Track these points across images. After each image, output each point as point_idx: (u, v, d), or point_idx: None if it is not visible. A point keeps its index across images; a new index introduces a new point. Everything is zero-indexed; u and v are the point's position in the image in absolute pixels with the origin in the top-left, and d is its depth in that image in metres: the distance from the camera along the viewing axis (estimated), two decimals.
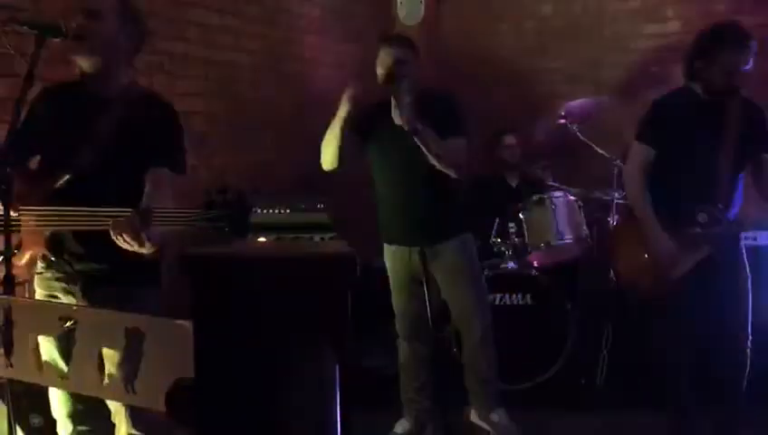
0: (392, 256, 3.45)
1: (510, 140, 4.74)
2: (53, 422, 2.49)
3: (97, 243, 2.17)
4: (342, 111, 3.12)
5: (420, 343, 3.44)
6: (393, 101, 3.16)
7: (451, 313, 3.51)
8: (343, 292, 2.24)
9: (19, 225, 2.16)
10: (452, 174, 3.20)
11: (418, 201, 3.27)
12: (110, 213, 2.07)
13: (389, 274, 3.50)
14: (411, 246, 3.33)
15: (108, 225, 2.05)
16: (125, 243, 2.05)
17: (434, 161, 3.13)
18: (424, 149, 3.09)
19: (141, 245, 2.06)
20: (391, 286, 3.50)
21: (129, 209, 2.05)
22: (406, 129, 3.02)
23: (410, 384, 3.48)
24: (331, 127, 3.19)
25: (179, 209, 2.04)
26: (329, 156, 3.22)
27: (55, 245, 2.30)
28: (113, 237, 2.06)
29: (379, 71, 3.17)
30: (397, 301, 3.48)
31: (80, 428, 2.43)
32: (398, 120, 3.11)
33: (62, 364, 1.68)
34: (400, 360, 3.51)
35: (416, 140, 3.06)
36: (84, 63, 2.32)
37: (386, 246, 3.49)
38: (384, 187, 3.38)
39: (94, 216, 2.09)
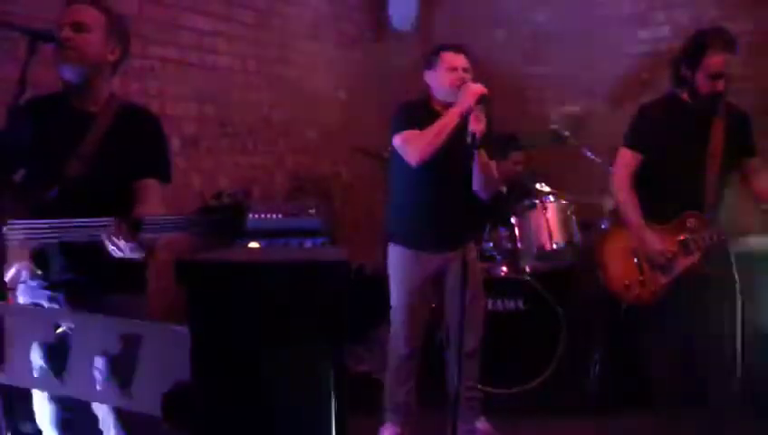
0: (413, 261, 3.39)
1: (517, 157, 4.71)
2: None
3: (81, 254, 2.18)
4: (464, 107, 3.07)
5: (418, 347, 3.44)
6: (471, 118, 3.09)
7: (447, 316, 3.48)
8: (338, 298, 2.25)
9: (7, 239, 2.15)
10: (484, 194, 3.33)
11: (456, 210, 3.28)
12: (98, 224, 2.07)
13: (401, 277, 3.42)
14: (439, 253, 3.34)
15: (95, 236, 2.06)
16: (117, 250, 2.06)
17: (479, 182, 3.22)
18: (477, 169, 3.15)
19: (132, 251, 2.07)
20: (399, 291, 3.43)
21: (118, 218, 2.06)
22: (470, 143, 2.97)
23: (401, 388, 3.46)
24: (447, 121, 3.10)
25: (169, 216, 2.05)
26: (434, 148, 3.12)
27: (40, 258, 2.30)
28: (105, 244, 2.06)
29: (474, 90, 3.10)
30: (403, 305, 3.42)
31: None
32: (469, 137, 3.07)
33: (55, 369, 1.68)
34: (393, 364, 3.49)
35: (476, 156, 3.10)
36: (69, 74, 2.33)
37: (404, 250, 3.40)
38: (419, 194, 3.35)
39: (82, 227, 2.10)
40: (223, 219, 1.98)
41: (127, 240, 2.05)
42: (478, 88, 3.09)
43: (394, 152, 3.33)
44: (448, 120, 3.11)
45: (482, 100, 3.06)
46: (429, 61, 3.36)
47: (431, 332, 3.68)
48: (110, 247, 2.08)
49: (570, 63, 5.33)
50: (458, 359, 2.98)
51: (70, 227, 2.11)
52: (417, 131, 3.18)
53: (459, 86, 3.17)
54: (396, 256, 3.43)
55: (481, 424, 3.54)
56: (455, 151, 3.08)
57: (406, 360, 3.43)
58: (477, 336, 3.44)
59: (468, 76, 3.27)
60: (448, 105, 3.19)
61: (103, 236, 2.06)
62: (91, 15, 2.33)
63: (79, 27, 2.29)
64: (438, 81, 3.32)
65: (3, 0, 3.06)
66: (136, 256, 2.11)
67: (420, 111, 3.29)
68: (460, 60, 3.30)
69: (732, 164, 3.15)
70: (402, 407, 3.46)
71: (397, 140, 3.25)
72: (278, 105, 4.70)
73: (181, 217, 2.01)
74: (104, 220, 2.07)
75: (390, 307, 3.47)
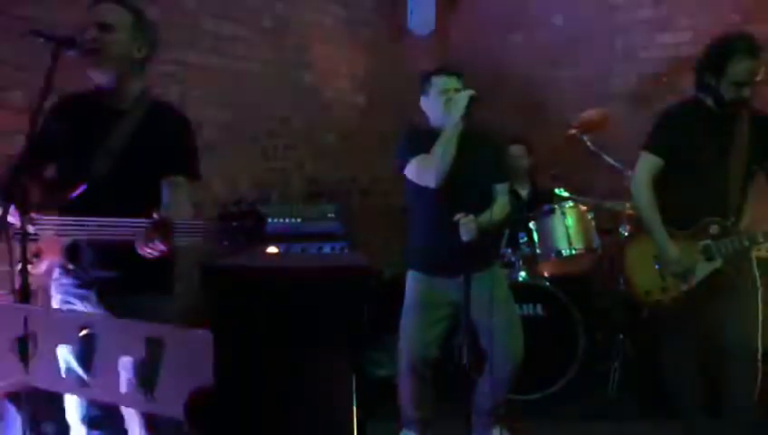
0: (425, 285, 3.34)
1: (516, 150, 4.73)
2: (66, 430, 2.51)
3: (112, 251, 2.21)
4: (458, 118, 3.07)
5: (424, 369, 3.37)
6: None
7: (482, 342, 3.36)
8: (359, 303, 2.26)
9: (37, 234, 2.19)
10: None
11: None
12: (130, 224, 2.10)
13: (410, 303, 3.37)
14: (450, 276, 3.23)
15: (127, 235, 2.08)
16: (150, 252, 2.08)
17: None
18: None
19: (164, 254, 2.10)
20: (406, 309, 3.38)
21: (149, 220, 2.08)
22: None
23: (415, 410, 3.42)
24: (449, 135, 3.08)
25: (198, 222, 2.07)
26: (447, 164, 3.08)
27: (72, 253, 2.33)
28: (138, 246, 2.08)
29: (461, 99, 3.09)
30: (410, 331, 3.36)
31: (93, 433, 2.45)
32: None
33: (81, 372, 1.69)
34: (402, 387, 3.42)
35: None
36: (98, 76, 2.35)
37: (417, 274, 3.36)
38: (429, 218, 3.29)
39: (114, 226, 2.12)
40: (245, 226, 2.00)
41: (159, 243, 2.06)
42: (464, 95, 3.07)
43: (406, 179, 3.27)
44: (449, 134, 3.07)
45: (472, 103, 3.05)
46: (421, 85, 3.31)
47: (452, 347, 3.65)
48: (142, 250, 2.10)
49: (589, 68, 5.32)
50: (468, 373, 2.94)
51: (103, 225, 2.13)
52: (426, 155, 3.14)
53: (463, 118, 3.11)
54: (409, 281, 3.39)
55: (496, 432, 3.50)
56: (462, 175, 3.08)
57: (410, 379, 3.37)
58: (516, 361, 3.33)
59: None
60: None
61: (136, 238, 2.08)
62: (116, 14, 2.35)
63: (104, 27, 2.32)
64: (432, 106, 3.28)
65: (26, 5, 3.09)
66: (163, 255, 2.12)
67: (423, 138, 3.22)
68: (452, 82, 3.24)
69: (754, 170, 3.13)
70: (417, 422, 3.43)
71: (410, 168, 3.19)
72: (297, 110, 4.72)
73: (209, 224, 2.03)
74: (138, 221, 2.09)
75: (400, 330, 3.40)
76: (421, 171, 3.15)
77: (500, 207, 3.33)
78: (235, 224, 1.99)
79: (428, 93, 3.28)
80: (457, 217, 3.08)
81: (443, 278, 3.27)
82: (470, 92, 3.08)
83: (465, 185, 3.12)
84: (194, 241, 2.06)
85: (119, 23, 2.35)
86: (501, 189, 3.37)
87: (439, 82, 3.24)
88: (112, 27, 2.33)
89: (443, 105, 3.18)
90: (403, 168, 3.22)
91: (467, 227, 3.07)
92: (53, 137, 2.36)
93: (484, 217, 3.18)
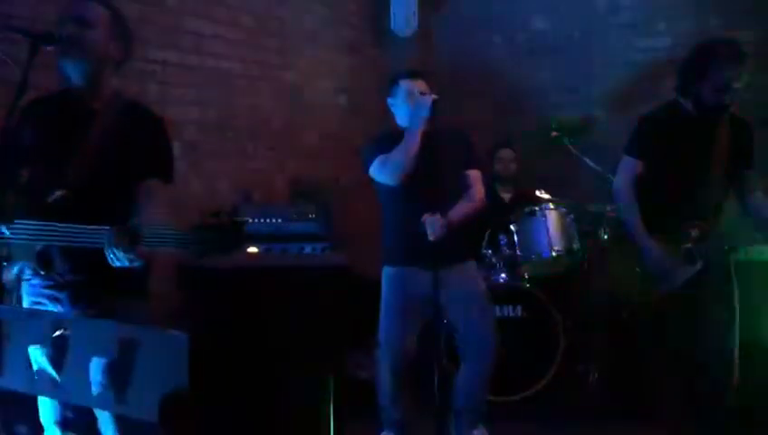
0: (399, 279, 3.37)
1: (506, 154, 4.74)
2: (40, 431, 2.47)
3: (85, 255, 2.17)
4: (421, 119, 3.17)
5: (407, 366, 3.39)
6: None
7: (457, 337, 3.44)
8: (339, 304, 2.25)
9: (11, 238, 2.16)
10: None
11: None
12: (98, 231, 2.08)
13: (387, 297, 3.39)
14: (425, 269, 3.19)
15: (96, 243, 2.05)
16: (116, 260, 2.06)
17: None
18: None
19: (131, 262, 2.07)
20: (386, 310, 3.39)
21: (117, 227, 2.06)
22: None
23: (394, 407, 3.43)
24: (411, 134, 3.19)
25: (170, 231, 2.03)
26: (407, 160, 3.20)
27: (44, 258, 2.30)
28: (106, 253, 2.06)
29: (425, 102, 3.19)
30: (388, 326, 3.38)
31: None
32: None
33: (53, 373, 1.67)
34: (382, 386, 3.42)
35: None
36: (71, 72, 2.32)
37: (391, 268, 3.40)
38: (398, 213, 3.36)
39: (83, 233, 2.09)
40: (221, 238, 1.97)
41: (125, 251, 2.04)
42: (428, 97, 3.18)
43: (374, 181, 3.38)
44: (410, 134, 3.18)
45: (434, 107, 3.15)
46: (389, 88, 3.42)
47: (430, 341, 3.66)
48: (109, 256, 2.07)
49: (569, 70, 5.34)
50: (440, 372, 2.98)
51: (71, 232, 2.10)
52: (387, 154, 3.25)
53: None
54: (383, 275, 3.43)
55: (478, 431, 3.52)
56: (429, 173, 3.12)
57: (392, 379, 3.37)
58: (492, 355, 3.37)
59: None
60: None
61: (104, 245, 2.06)
62: (94, 11, 2.33)
63: (83, 23, 2.29)
64: (399, 108, 3.38)
65: (3, 1, 3.05)
66: (134, 265, 2.10)
67: (389, 139, 3.32)
68: (419, 85, 3.34)
69: (733, 174, 3.15)
70: (397, 422, 3.43)
71: (373, 168, 3.31)
72: (278, 110, 4.70)
73: (181, 233, 2.00)
74: (104, 229, 2.06)
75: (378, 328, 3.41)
76: (381, 170, 3.27)
77: (468, 202, 3.37)
78: (211, 235, 1.97)
79: (396, 96, 3.39)
80: (424, 217, 3.14)
81: (417, 274, 3.27)
82: (433, 96, 3.19)
83: (433, 182, 3.14)
84: (165, 250, 2.03)
85: (97, 19, 2.32)
86: (470, 176, 3.41)
87: (406, 85, 3.35)
88: (90, 23, 2.30)
89: (411, 108, 3.27)
90: (367, 170, 3.34)
91: (434, 226, 3.11)
92: (24, 140, 2.32)
93: (452, 212, 3.23)
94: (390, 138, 3.34)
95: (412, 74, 3.41)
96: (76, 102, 2.37)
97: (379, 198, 3.47)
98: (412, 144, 3.18)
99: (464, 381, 3.42)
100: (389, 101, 3.44)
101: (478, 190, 3.42)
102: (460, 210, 3.31)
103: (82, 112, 2.35)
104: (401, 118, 3.38)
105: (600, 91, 5.23)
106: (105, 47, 2.34)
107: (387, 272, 3.42)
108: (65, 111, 2.36)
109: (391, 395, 3.40)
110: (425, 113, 3.16)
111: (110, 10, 2.37)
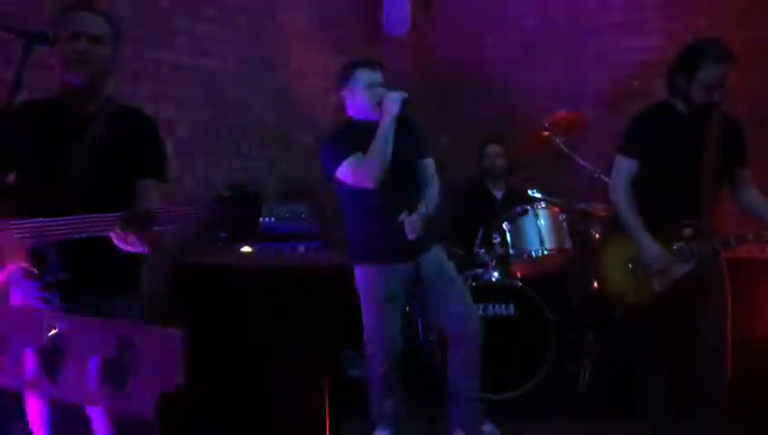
0: (376, 276, 3.34)
1: (494, 149, 4.75)
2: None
3: (77, 253, 2.17)
4: (392, 116, 3.14)
5: (396, 360, 3.38)
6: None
7: (440, 321, 3.44)
8: (332, 302, 2.26)
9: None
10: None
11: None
12: (110, 217, 2.06)
13: (369, 295, 3.36)
14: (405, 262, 3.28)
15: (105, 230, 2.05)
16: (126, 244, 2.06)
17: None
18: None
19: (141, 246, 2.07)
20: (368, 308, 3.37)
21: (121, 213, 2.05)
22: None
23: (386, 402, 3.43)
24: (385, 133, 3.14)
25: (182, 208, 2.01)
26: (385, 161, 3.15)
27: (37, 257, 2.29)
28: (115, 238, 2.06)
29: (396, 99, 3.16)
30: (374, 322, 3.36)
31: None
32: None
33: (48, 372, 1.67)
34: (374, 382, 3.41)
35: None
36: (76, 80, 2.34)
37: (369, 267, 3.35)
38: (369, 210, 3.30)
39: (92, 222, 2.09)
40: (238, 213, 1.89)
41: (137, 233, 2.03)
42: (399, 95, 3.14)
43: (338, 182, 3.28)
44: (385, 135, 3.13)
45: (405, 104, 3.13)
46: (343, 78, 3.33)
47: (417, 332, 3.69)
48: (118, 240, 2.07)
49: (560, 70, 5.36)
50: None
51: (79, 222, 2.10)
52: (360, 156, 3.17)
53: (379, 102, 3.18)
54: (360, 275, 3.37)
55: (487, 428, 3.54)
56: (397, 163, 3.15)
57: (385, 376, 3.37)
58: (475, 326, 3.38)
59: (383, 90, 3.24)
60: (369, 121, 3.22)
61: (114, 229, 2.05)
62: (102, 27, 2.37)
63: (95, 40, 2.32)
64: (356, 99, 3.31)
65: None
66: (143, 250, 2.10)
67: (352, 134, 3.25)
68: (376, 76, 3.28)
69: (726, 173, 3.18)
70: (391, 418, 3.44)
71: (344, 169, 3.20)
72: (271, 109, 4.70)
73: (195, 209, 1.96)
74: (116, 215, 2.05)
75: (363, 326, 3.40)
76: (357, 171, 3.19)
77: (435, 190, 3.37)
78: (228, 210, 1.89)
79: (352, 87, 3.30)
80: (401, 217, 3.15)
81: (397, 268, 3.29)
82: (404, 95, 3.15)
83: (403, 177, 3.18)
84: (178, 230, 2.00)
85: (106, 35, 2.37)
86: (428, 164, 3.40)
87: (364, 75, 3.27)
88: (102, 40, 2.34)
89: (370, 99, 3.23)
90: (333, 171, 3.24)
91: (413, 226, 3.14)
92: (14, 142, 2.32)
93: (424, 208, 3.25)
94: (348, 135, 3.26)
95: (369, 64, 3.32)
96: (71, 106, 2.38)
97: (343, 199, 3.37)
98: (389, 142, 3.13)
99: (454, 366, 3.39)
100: (344, 92, 3.34)
101: (437, 185, 3.41)
102: (431, 203, 3.30)
103: (77, 115, 2.36)
104: (357, 109, 3.31)
105: (591, 90, 5.25)
106: (110, 60, 2.40)
107: (365, 271, 3.36)
108: (60, 114, 2.37)
109: (384, 391, 3.41)
110: (396, 111, 3.12)
111: (111, 24, 2.41)
